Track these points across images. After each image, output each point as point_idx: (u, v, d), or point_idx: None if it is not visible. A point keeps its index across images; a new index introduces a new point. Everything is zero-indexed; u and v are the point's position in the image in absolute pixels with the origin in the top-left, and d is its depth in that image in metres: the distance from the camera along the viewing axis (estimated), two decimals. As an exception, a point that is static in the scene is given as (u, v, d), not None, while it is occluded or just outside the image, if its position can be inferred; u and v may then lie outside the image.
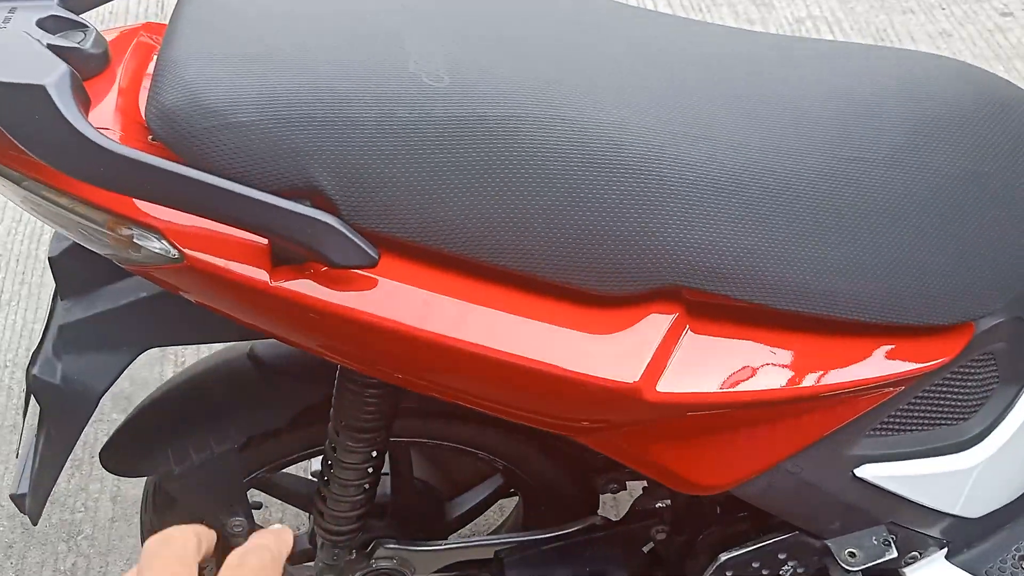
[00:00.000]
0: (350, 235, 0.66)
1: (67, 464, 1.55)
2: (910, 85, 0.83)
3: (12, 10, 0.69)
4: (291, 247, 0.67)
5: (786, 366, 0.77)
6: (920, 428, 0.91)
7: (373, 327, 0.69)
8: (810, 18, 2.26)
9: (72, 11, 0.72)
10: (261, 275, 0.68)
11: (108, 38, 0.76)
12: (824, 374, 0.78)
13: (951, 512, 0.97)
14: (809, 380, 0.77)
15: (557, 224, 0.70)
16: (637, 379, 0.71)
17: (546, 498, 1.11)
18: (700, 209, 0.73)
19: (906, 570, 1.02)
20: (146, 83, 0.73)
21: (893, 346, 0.81)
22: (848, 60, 0.86)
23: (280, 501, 1.17)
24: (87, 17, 0.74)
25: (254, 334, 0.84)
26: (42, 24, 0.69)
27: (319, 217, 0.65)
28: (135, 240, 0.69)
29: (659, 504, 1.05)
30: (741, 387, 0.74)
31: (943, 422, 0.92)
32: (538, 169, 0.70)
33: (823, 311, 0.76)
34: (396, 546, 1.08)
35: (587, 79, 0.76)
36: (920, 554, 1.01)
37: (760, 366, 0.76)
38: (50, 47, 0.66)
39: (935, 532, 0.99)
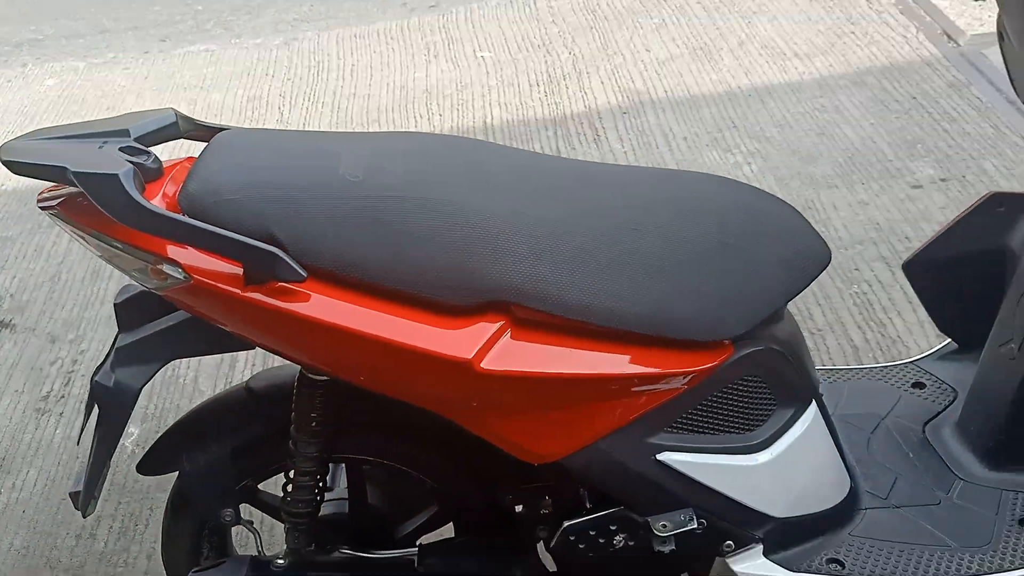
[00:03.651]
0: (287, 259, 1.08)
1: (114, 528, 1.95)
2: (681, 191, 1.26)
3: (105, 142, 1.18)
4: (251, 270, 1.10)
5: (582, 358, 1.15)
6: (711, 431, 1.25)
7: (304, 321, 1.10)
8: (750, 192, 2.72)
9: (143, 144, 1.20)
10: (235, 289, 1.11)
11: (165, 164, 1.24)
12: (612, 365, 1.15)
13: (749, 505, 1.28)
14: (598, 368, 1.14)
15: (424, 260, 1.12)
16: (471, 356, 1.10)
17: (472, 523, 1.46)
18: (526, 254, 1.14)
19: (728, 560, 1.32)
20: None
21: (665, 352, 1.18)
22: (642, 178, 1.31)
23: (268, 516, 1.53)
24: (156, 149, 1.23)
25: (243, 346, 1.25)
26: (123, 150, 1.17)
27: (266, 248, 1.08)
28: (164, 270, 1.13)
29: (543, 511, 1.38)
30: (547, 368, 1.12)
31: (730, 429, 1.26)
32: (411, 227, 1.13)
33: (610, 324, 1.15)
34: (348, 552, 1.43)
35: (455, 179, 1.20)
36: (734, 544, 1.31)
37: (563, 356, 1.14)
38: (126, 160, 1.14)
39: (743, 525, 1.30)
